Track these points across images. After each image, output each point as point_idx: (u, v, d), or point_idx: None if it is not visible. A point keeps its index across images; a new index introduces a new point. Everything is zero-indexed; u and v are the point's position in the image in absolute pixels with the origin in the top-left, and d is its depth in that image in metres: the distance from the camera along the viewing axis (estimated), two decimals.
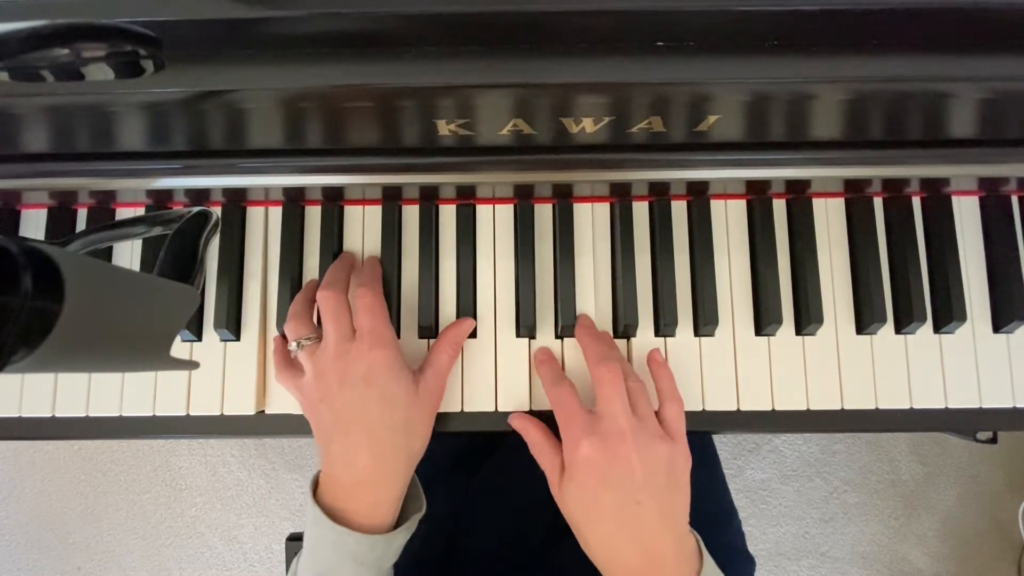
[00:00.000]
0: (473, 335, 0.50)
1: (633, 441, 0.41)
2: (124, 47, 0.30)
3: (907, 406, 0.49)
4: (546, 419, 0.47)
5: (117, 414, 0.49)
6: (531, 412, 0.49)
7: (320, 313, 0.45)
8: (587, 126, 0.39)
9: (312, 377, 0.44)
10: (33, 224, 0.52)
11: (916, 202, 0.51)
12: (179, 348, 0.50)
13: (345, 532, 0.41)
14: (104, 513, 1.28)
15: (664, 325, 0.49)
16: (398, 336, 0.50)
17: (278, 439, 1.27)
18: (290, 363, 0.48)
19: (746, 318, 0.50)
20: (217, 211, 0.51)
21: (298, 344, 0.45)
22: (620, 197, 0.51)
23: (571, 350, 0.50)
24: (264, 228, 0.51)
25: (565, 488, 0.42)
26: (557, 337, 0.50)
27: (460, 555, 0.60)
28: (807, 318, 0.49)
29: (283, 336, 0.50)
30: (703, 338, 0.50)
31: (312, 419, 0.45)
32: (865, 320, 0.49)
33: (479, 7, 0.32)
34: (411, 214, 0.51)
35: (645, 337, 0.50)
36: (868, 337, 0.50)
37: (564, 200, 0.51)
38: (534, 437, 0.46)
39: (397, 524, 0.44)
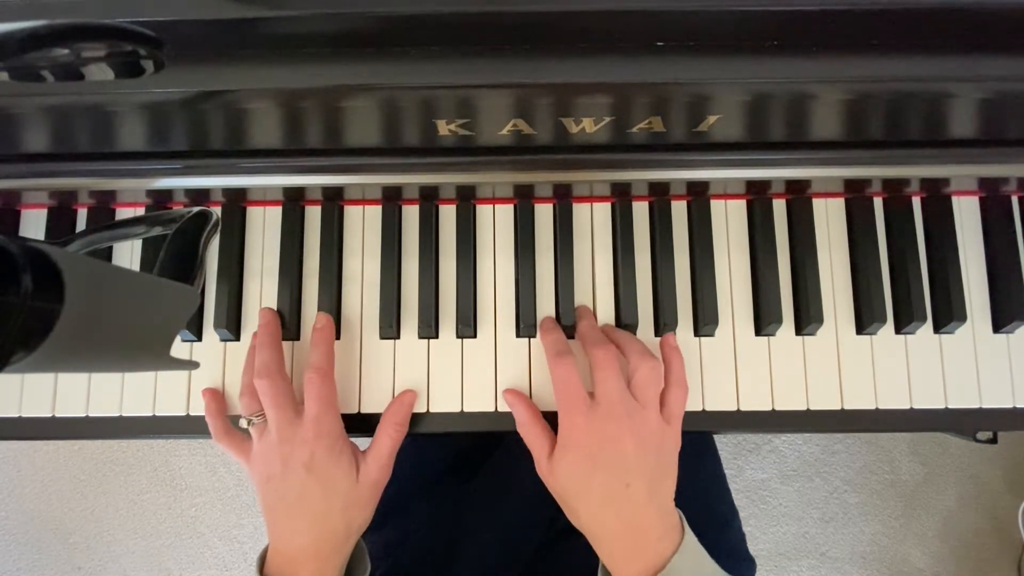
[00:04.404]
0: (474, 335, 0.50)
1: (628, 423, 0.41)
2: (124, 47, 0.30)
3: (907, 406, 0.49)
4: (547, 420, 0.47)
5: (117, 414, 0.49)
6: None
7: (260, 399, 0.45)
8: (587, 126, 0.39)
9: (259, 455, 0.45)
10: (33, 224, 0.52)
11: (916, 202, 0.51)
12: (179, 348, 0.50)
13: None
14: (104, 513, 1.28)
15: (664, 325, 0.49)
16: (398, 336, 0.50)
17: None
18: (231, 429, 0.48)
19: (746, 318, 0.50)
20: (217, 211, 0.51)
21: (249, 421, 0.46)
22: (620, 197, 0.51)
23: (571, 345, 0.49)
24: (264, 228, 0.51)
25: (556, 463, 0.43)
26: None
27: (460, 555, 0.60)
28: (807, 318, 0.49)
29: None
30: (703, 338, 0.50)
31: (259, 494, 0.46)
32: (865, 320, 0.49)
33: (479, 7, 0.32)
34: (411, 214, 0.51)
35: (645, 337, 0.50)
36: (868, 337, 0.50)
37: (564, 200, 0.51)
38: (523, 416, 0.46)
39: None
